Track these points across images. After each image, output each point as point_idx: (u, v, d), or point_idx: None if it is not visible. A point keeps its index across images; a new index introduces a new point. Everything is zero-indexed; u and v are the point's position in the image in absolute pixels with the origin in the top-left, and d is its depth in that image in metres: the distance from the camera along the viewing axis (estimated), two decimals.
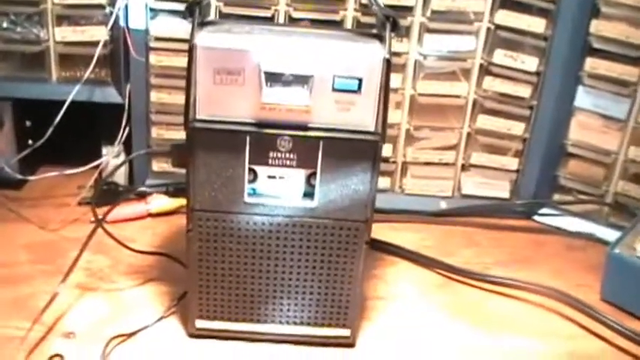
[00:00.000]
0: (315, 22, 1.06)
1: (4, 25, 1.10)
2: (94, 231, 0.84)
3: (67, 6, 1.08)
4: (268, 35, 0.72)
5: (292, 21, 1.05)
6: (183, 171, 0.74)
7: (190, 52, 0.69)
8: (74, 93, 1.05)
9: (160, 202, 1.09)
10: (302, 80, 0.69)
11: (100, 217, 0.86)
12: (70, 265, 0.83)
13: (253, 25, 0.77)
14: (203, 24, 0.72)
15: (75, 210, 1.09)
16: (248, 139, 0.71)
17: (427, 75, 1.10)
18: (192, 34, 0.69)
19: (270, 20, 1.05)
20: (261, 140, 0.71)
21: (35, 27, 1.10)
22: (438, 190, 1.17)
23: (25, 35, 1.10)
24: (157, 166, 1.15)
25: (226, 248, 0.76)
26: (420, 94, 1.10)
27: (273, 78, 0.69)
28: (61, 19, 1.09)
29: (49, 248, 1.00)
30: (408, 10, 1.07)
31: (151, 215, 1.09)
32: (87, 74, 1.05)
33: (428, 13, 1.07)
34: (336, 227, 0.75)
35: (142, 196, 1.11)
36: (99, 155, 1.14)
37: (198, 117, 0.70)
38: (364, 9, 1.05)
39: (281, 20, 1.05)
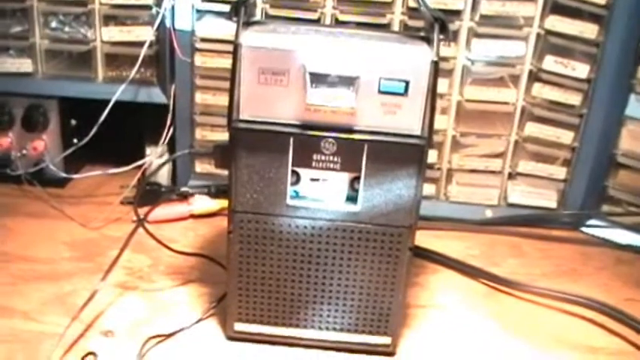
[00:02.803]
0: (362, 26, 1.04)
1: (53, 24, 1.11)
2: (134, 230, 0.84)
3: (114, 6, 1.08)
4: (314, 36, 0.71)
5: (338, 24, 1.04)
6: (225, 172, 0.73)
7: (235, 51, 0.68)
8: (119, 93, 1.05)
9: (202, 203, 1.08)
10: (347, 82, 0.68)
11: (142, 216, 0.86)
12: (111, 263, 0.83)
13: (299, 25, 0.76)
14: (248, 24, 0.72)
15: (117, 209, 1.09)
16: (291, 140, 0.70)
17: (475, 80, 1.08)
18: (237, 34, 0.68)
19: (317, 22, 1.04)
20: (305, 142, 0.70)
21: (83, 27, 1.11)
22: (483, 198, 1.15)
23: (73, 35, 1.11)
24: (200, 167, 1.14)
25: (267, 251, 0.75)
26: (467, 100, 1.09)
27: (318, 79, 0.68)
28: (108, 19, 1.10)
29: (90, 246, 1.00)
30: (457, 14, 1.05)
31: (193, 216, 1.09)
32: (132, 74, 1.05)
33: (477, 18, 1.05)
34: (379, 233, 0.74)
35: (185, 196, 1.11)
36: (142, 155, 1.14)
37: (241, 117, 0.70)
38: (412, 12, 1.04)
39: (328, 23, 1.04)
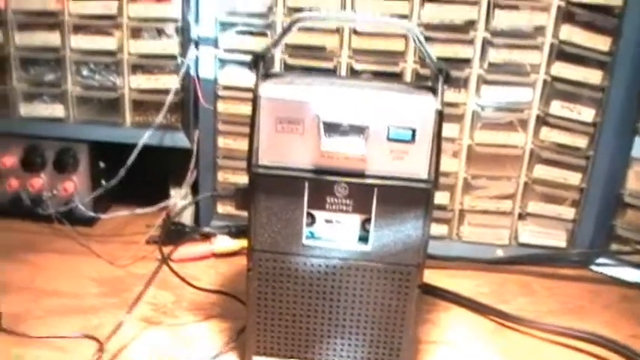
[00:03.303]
0: (376, 74, 1.09)
1: (84, 73, 1.17)
2: (159, 268, 0.89)
3: (142, 56, 1.15)
4: (328, 87, 0.77)
5: (354, 73, 1.09)
6: (246, 214, 0.78)
7: (254, 102, 0.73)
8: (146, 137, 1.11)
9: (223, 243, 1.13)
10: (358, 130, 0.73)
11: (166, 255, 0.91)
12: (136, 297, 0.88)
13: (314, 77, 0.81)
14: (267, 75, 0.77)
15: (143, 248, 1.15)
16: (307, 184, 0.75)
17: (484, 125, 1.13)
18: (256, 86, 0.74)
19: (332, 72, 1.09)
20: (320, 186, 0.75)
21: (112, 75, 1.17)
22: (494, 238, 1.19)
23: (103, 82, 1.17)
24: (222, 208, 1.19)
25: (284, 287, 0.80)
26: (478, 144, 1.13)
27: (331, 128, 0.73)
28: (135, 68, 1.16)
29: (117, 283, 1.05)
30: (467, 62, 1.10)
31: (214, 255, 1.13)
32: (158, 120, 1.11)
33: (485, 66, 1.10)
34: (389, 271, 0.78)
35: (207, 236, 1.16)
36: (167, 196, 1.19)
37: (260, 163, 0.75)
38: (423, 61, 1.09)
39: (343, 72, 1.09)
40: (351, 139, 0.73)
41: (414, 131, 0.73)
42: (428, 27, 1.07)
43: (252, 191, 0.76)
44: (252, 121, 0.74)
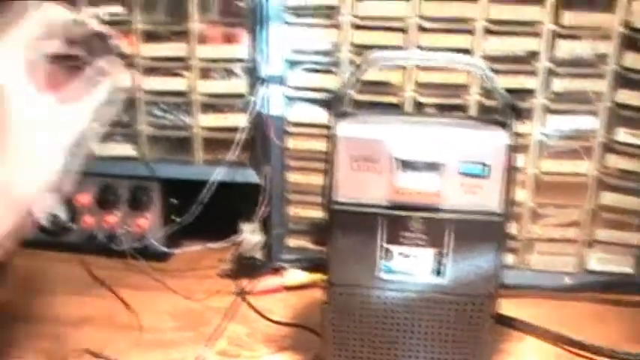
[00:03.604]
0: (441, 107, 1.11)
1: (156, 112, 1.21)
2: (236, 302, 0.92)
3: (211, 95, 1.18)
4: (401, 125, 0.79)
5: (419, 106, 1.11)
6: (316, 247, 0.81)
7: (331, 141, 0.76)
8: (218, 175, 1.15)
9: (295, 276, 1.15)
10: (432, 166, 0.75)
11: (241, 290, 0.94)
12: (215, 331, 0.91)
13: (387, 115, 0.84)
14: (342, 114, 0.79)
15: (216, 282, 1.18)
16: (383, 220, 0.77)
17: (550, 154, 1.14)
18: (333, 125, 0.76)
19: (399, 107, 1.11)
20: (395, 221, 0.78)
21: (183, 114, 1.21)
22: (562, 265, 1.19)
23: (174, 122, 1.21)
24: (293, 241, 1.22)
25: (360, 320, 0.82)
26: (544, 173, 1.14)
27: (405, 165, 0.75)
28: (205, 107, 1.20)
29: (193, 317, 1.08)
30: (530, 92, 1.11)
31: (286, 288, 1.15)
32: (230, 157, 1.14)
33: (549, 95, 1.11)
34: (463, 302, 0.80)
35: (277, 269, 1.18)
36: (236, 231, 1.22)
37: (337, 200, 0.77)
38: (487, 93, 1.10)
39: (408, 106, 1.11)
40: (425, 175, 0.75)
41: (486, 166, 0.75)
42: (491, 59, 1.09)
43: (329, 227, 0.79)
44: (330, 160, 0.77)
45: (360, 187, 0.77)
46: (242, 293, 0.95)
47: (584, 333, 1.05)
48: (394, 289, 0.80)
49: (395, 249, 0.79)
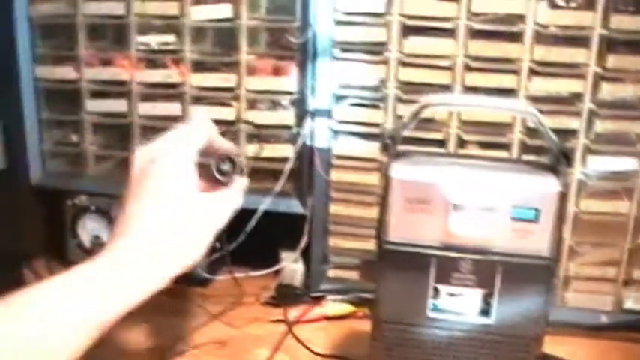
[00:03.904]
0: (484, 145, 1.13)
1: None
2: (285, 334, 0.94)
3: (258, 126, 1.21)
4: (454, 168, 0.81)
5: (462, 143, 1.13)
6: (353, 278, 0.81)
7: (386, 183, 0.78)
8: (265, 205, 1.17)
9: (335, 306, 1.17)
10: (485, 211, 0.77)
11: (284, 319, 0.95)
12: None
13: (439, 157, 0.86)
14: (396, 155, 0.82)
15: (256, 309, 1.20)
16: (434, 261, 0.79)
17: (590, 194, 1.15)
18: (387, 167, 0.79)
19: (441, 142, 1.13)
20: (445, 262, 0.79)
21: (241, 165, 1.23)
22: (599, 304, 1.20)
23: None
24: (332, 272, 1.23)
25: (407, 357, 0.83)
26: (583, 212, 1.15)
27: (459, 208, 0.77)
28: (251, 138, 1.22)
29: (235, 344, 1.10)
30: (572, 133, 1.12)
31: (326, 318, 1.17)
32: (278, 187, 1.17)
33: (591, 136, 1.12)
34: (509, 343, 0.81)
35: (316, 299, 1.20)
36: (275, 259, 1.24)
37: (390, 239, 0.79)
38: (530, 132, 1.12)
39: (452, 142, 1.13)
40: (477, 219, 0.77)
41: (537, 211, 0.77)
42: (535, 99, 1.10)
43: (381, 265, 0.80)
44: (384, 201, 0.78)
45: (413, 228, 0.79)
46: (291, 324, 0.96)
47: None
48: (442, 327, 0.82)
49: (443, 288, 0.81)
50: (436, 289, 0.81)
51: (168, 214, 0.74)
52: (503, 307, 0.80)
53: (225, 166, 0.83)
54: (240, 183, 0.86)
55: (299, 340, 0.99)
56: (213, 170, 0.82)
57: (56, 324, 0.65)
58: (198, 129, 0.82)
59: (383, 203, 0.79)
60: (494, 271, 0.79)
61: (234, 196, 0.84)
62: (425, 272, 0.80)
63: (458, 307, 0.81)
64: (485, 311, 0.81)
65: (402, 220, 0.79)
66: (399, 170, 0.79)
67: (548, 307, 0.80)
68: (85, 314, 0.68)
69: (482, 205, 0.77)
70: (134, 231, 0.73)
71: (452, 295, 0.81)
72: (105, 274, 0.70)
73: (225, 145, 0.87)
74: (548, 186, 0.77)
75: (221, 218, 0.81)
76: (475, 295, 0.81)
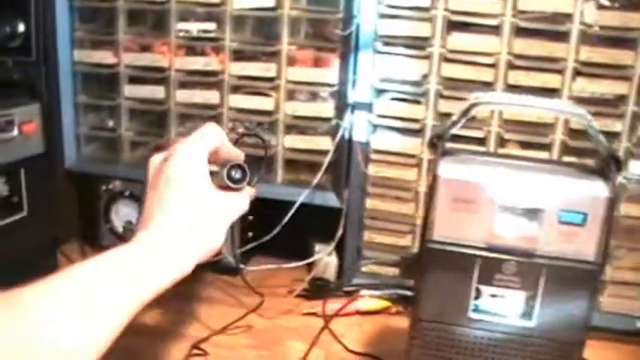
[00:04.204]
0: (524, 144, 1.12)
1: (240, 130, 1.24)
2: (322, 329, 0.93)
3: (296, 117, 1.20)
4: (502, 169, 0.80)
5: (503, 141, 1.12)
6: (386, 273, 0.80)
7: (433, 181, 0.77)
8: (301, 197, 1.17)
9: (368, 301, 1.16)
10: (532, 213, 0.76)
11: (326, 315, 0.95)
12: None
13: (486, 156, 0.85)
14: (444, 154, 0.81)
15: (287, 301, 1.19)
16: (478, 261, 0.78)
17: (629, 198, 1.13)
18: (435, 165, 0.78)
19: (482, 140, 1.12)
20: (489, 263, 0.78)
21: (266, 133, 1.23)
22: (634, 309, 1.19)
23: (257, 140, 1.23)
24: (366, 266, 1.23)
25: (446, 357, 0.83)
26: (623, 217, 1.14)
27: (505, 210, 0.76)
28: (289, 128, 1.21)
29: (267, 335, 1.10)
30: (615, 135, 1.11)
31: (358, 313, 1.17)
32: (315, 180, 1.16)
33: (634, 140, 1.11)
34: (551, 347, 0.80)
35: (349, 293, 1.19)
36: (306, 251, 1.24)
37: (434, 238, 0.78)
38: (573, 134, 1.10)
39: (493, 140, 1.12)
40: (524, 221, 0.76)
41: (585, 215, 0.76)
42: (578, 100, 1.09)
43: (423, 263, 0.80)
44: (430, 199, 0.78)
45: (458, 228, 0.78)
46: (328, 318, 0.96)
47: None
48: (482, 328, 0.81)
49: (485, 289, 0.80)
50: (478, 290, 0.80)
51: (184, 207, 0.78)
52: (546, 311, 0.79)
53: (237, 174, 0.86)
54: (249, 191, 0.89)
55: (335, 337, 0.99)
56: (224, 176, 0.84)
57: (89, 304, 0.67)
58: (209, 132, 0.85)
59: (429, 201, 0.78)
60: (538, 274, 0.78)
61: (243, 199, 0.87)
62: (468, 272, 0.79)
63: (499, 308, 0.81)
64: (527, 314, 0.80)
65: (447, 219, 0.78)
66: (447, 169, 0.78)
67: (591, 313, 0.79)
68: (115, 297, 0.70)
69: (530, 207, 0.76)
70: (157, 224, 0.77)
71: (494, 296, 0.80)
72: (132, 261, 0.73)
73: (235, 152, 0.91)
74: (597, 190, 0.76)
75: (233, 213, 0.85)
76: (518, 297, 0.80)
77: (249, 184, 0.88)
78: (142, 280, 0.72)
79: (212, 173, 0.83)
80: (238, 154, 0.91)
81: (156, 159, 0.83)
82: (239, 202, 0.87)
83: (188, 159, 0.81)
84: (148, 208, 0.79)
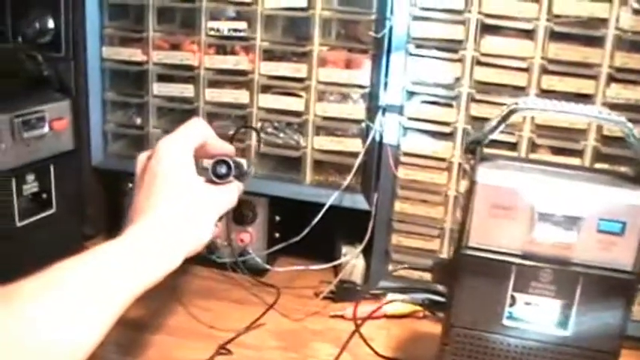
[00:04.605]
0: (556, 150, 1.11)
1: (269, 130, 1.23)
2: (352, 334, 0.93)
3: (327, 118, 1.20)
4: (540, 176, 0.79)
5: (534, 146, 1.11)
6: (414, 277, 0.80)
7: (471, 187, 0.76)
8: (331, 199, 1.17)
9: (396, 305, 1.16)
10: (571, 221, 0.75)
11: (357, 319, 0.95)
12: None
13: (523, 162, 0.84)
14: (482, 159, 0.80)
15: (314, 302, 1.19)
16: (514, 269, 0.77)
17: None
18: (473, 171, 0.77)
19: (513, 145, 1.11)
20: (525, 271, 0.78)
21: (296, 134, 1.22)
22: None
23: (286, 141, 1.23)
24: (397, 271, 1.22)
25: None
26: None
27: (544, 217, 0.75)
28: (319, 129, 1.21)
29: (294, 337, 1.10)
30: None
31: (386, 317, 1.16)
32: (346, 182, 1.17)
33: None
34: (586, 356, 0.80)
35: (376, 296, 1.19)
36: (333, 252, 1.23)
37: (469, 244, 0.78)
38: (605, 140, 1.09)
39: (524, 145, 1.11)
40: (563, 229, 0.75)
41: (624, 224, 0.75)
42: (611, 106, 1.08)
43: (457, 270, 0.79)
44: (467, 205, 0.77)
45: (495, 234, 0.77)
46: (359, 323, 0.95)
47: None
48: (516, 336, 0.80)
49: (520, 297, 0.80)
50: (513, 298, 0.80)
51: (171, 200, 0.81)
52: (581, 320, 0.79)
53: (222, 169, 0.88)
54: (236, 185, 0.91)
55: (365, 340, 0.99)
56: (209, 173, 0.87)
57: (82, 299, 0.69)
58: (194, 127, 0.88)
59: (465, 207, 0.77)
60: (574, 282, 0.77)
61: (230, 193, 0.90)
62: (503, 280, 0.78)
63: (534, 317, 0.80)
64: (562, 323, 0.80)
65: (483, 226, 0.77)
66: (485, 175, 0.77)
67: (627, 322, 0.78)
68: (106, 292, 0.72)
69: (569, 214, 0.75)
70: (145, 218, 0.79)
71: (529, 304, 0.80)
72: (122, 256, 0.75)
73: (224, 147, 0.93)
74: (637, 199, 0.75)
75: (220, 206, 0.87)
76: (553, 305, 0.79)
77: (237, 178, 0.90)
78: (132, 273, 0.75)
79: (203, 168, 0.87)
80: (229, 149, 0.94)
81: (143, 155, 0.86)
82: (226, 196, 0.89)
83: (173, 153, 0.83)
84: (135, 203, 0.82)
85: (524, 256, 0.77)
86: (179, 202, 0.81)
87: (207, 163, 0.90)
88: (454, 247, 0.80)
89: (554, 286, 0.78)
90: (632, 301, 0.77)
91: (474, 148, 0.79)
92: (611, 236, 0.76)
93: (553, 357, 0.80)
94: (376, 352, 1.01)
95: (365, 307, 1.12)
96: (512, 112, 0.78)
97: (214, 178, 0.88)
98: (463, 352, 0.82)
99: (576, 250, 0.76)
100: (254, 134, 1.23)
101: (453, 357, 0.82)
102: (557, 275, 0.77)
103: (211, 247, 1.26)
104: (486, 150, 0.83)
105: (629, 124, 0.78)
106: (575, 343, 0.79)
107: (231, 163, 0.89)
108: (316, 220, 1.16)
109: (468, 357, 0.82)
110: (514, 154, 1.11)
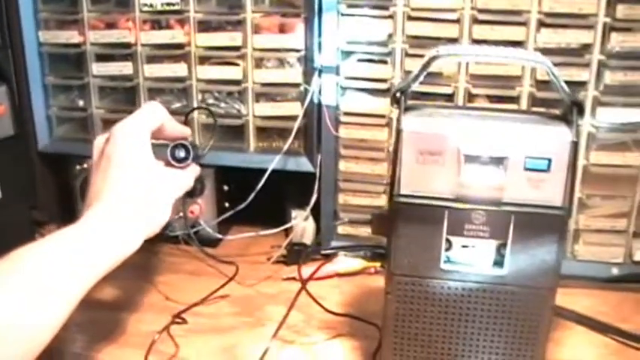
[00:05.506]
0: (492, 98, 1.12)
1: (210, 101, 1.24)
2: (299, 292, 0.94)
3: (266, 84, 1.20)
4: (465, 119, 0.80)
5: (471, 96, 1.12)
6: (363, 234, 0.81)
7: (397, 135, 0.77)
8: (274, 163, 1.17)
9: (347, 263, 1.17)
10: (497, 161, 0.77)
11: (303, 278, 0.96)
12: (280, 323, 0.96)
13: (449, 109, 0.85)
14: (407, 109, 0.81)
15: (266, 267, 1.21)
16: (446, 213, 0.79)
17: (599, 146, 1.14)
18: (399, 120, 0.78)
19: (450, 96, 1.13)
20: (458, 214, 0.79)
21: (236, 103, 1.23)
22: (609, 256, 1.20)
23: (228, 110, 1.23)
24: (342, 228, 1.24)
25: (421, 310, 0.83)
26: (593, 165, 1.15)
27: (471, 159, 0.77)
28: (259, 96, 1.21)
29: (247, 302, 1.11)
30: (582, 85, 1.12)
31: (338, 275, 1.17)
32: (286, 146, 1.17)
33: (601, 88, 1.12)
34: (523, 294, 0.81)
35: (327, 256, 1.20)
36: (283, 217, 1.24)
37: (402, 192, 0.79)
38: (539, 85, 1.11)
39: (460, 95, 1.13)
40: (490, 170, 0.77)
41: (550, 161, 0.77)
42: (543, 51, 1.09)
43: (393, 219, 0.80)
44: (395, 154, 0.78)
45: (425, 181, 0.78)
46: (304, 281, 0.96)
47: (632, 323, 1.06)
48: (455, 279, 0.82)
49: (456, 240, 0.81)
50: (449, 242, 0.81)
51: (128, 183, 0.82)
52: (517, 258, 0.80)
53: (180, 153, 0.91)
54: (194, 169, 0.94)
55: (312, 298, 1.00)
56: (167, 156, 0.90)
57: (44, 284, 0.71)
58: (149, 110, 0.89)
59: (394, 156, 0.78)
60: (507, 222, 0.79)
61: (187, 176, 0.93)
62: (437, 224, 0.79)
63: (471, 259, 0.81)
64: (498, 262, 0.81)
65: (413, 173, 0.78)
66: (410, 122, 0.78)
67: (561, 258, 0.80)
68: (68, 276, 0.73)
69: (496, 155, 0.77)
70: (103, 201, 0.80)
71: (465, 247, 0.81)
72: (81, 239, 0.76)
73: (180, 129, 0.95)
74: (560, 136, 0.77)
75: (178, 188, 0.90)
76: (488, 246, 0.81)
77: (194, 160, 0.93)
78: (91, 258, 0.76)
79: (156, 152, 0.87)
80: (184, 131, 0.96)
81: (99, 140, 0.87)
82: (183, 178, 0.92)
83: (128, 137, 0.84)
84: (93, 187, 0.83)
85: (455, 200, 0.79)
86: (137, 185, 0.82)
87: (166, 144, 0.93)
88: (387, 196, 0.80)
89: (488, 227, 0.79)
90: (565, 236, 0.79)
91: (398, 98, 0.79)
92: (538, 173, 0.77)
93: (492, 296, 0.82)
94: (325, 309, 1.02)
95: (323, 268, 1.14)
96: (432, 59, 0.79)
97: (173, 162, 0.90)
98: (405, 299, 0.83)
99: (506, 190, 0.78)
100: (195, 105, 1.23)
101: (397, 304, 0.84)
102: (489, 216, 0.79)
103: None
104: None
105: (548, 63, 0.80)
106: (513, 281, 0.81)
107: (189, 146, 0.91)
108: (260, 185, 1.17)
109: (410, 303, 0.83)
110: (443, 103, 1.12)
